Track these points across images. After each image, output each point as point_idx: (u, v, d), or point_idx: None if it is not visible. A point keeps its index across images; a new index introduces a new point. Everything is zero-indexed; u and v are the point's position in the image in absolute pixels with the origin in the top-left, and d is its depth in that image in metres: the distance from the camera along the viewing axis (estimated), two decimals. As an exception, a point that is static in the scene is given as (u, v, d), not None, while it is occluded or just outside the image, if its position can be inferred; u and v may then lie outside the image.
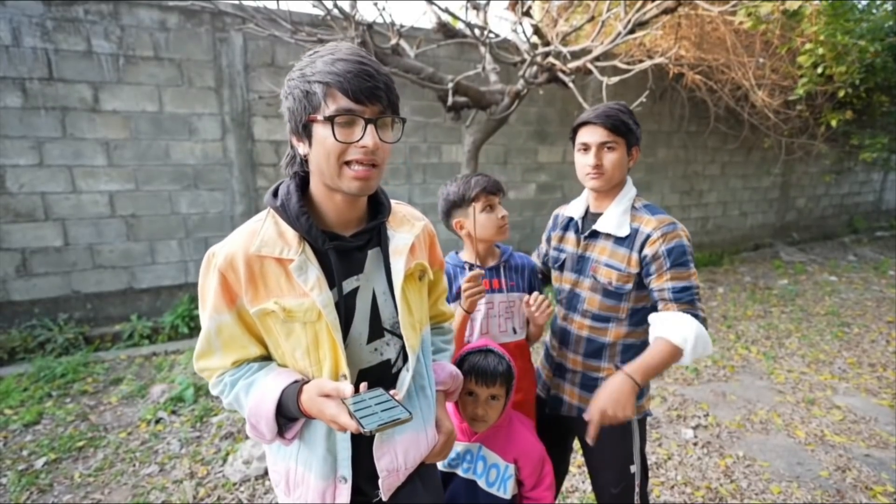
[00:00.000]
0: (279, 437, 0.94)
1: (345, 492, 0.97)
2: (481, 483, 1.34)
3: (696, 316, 1.29)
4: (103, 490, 2.32)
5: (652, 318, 1.34)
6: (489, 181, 1.47)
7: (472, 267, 1.55)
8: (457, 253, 1.61)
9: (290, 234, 0.90)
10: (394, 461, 0.98)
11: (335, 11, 3.26)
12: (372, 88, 0.81)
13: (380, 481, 0.98)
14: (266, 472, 2.36)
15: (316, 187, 0.93)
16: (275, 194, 0.94)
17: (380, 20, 3.39)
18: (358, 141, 0.82)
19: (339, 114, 0.81)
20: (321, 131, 0.83)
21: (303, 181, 0.95)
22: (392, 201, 1.04)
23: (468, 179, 1.48)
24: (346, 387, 0.81)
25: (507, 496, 1.34)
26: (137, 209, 3.95)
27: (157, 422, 2.85)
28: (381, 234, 0.99)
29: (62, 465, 2.48)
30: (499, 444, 1.37)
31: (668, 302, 1.32)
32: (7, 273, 3.65)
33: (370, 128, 0.83)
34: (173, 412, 2.95)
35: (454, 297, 1.56)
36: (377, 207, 1.00)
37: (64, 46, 3.56)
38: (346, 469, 0.96)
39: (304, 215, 0.89)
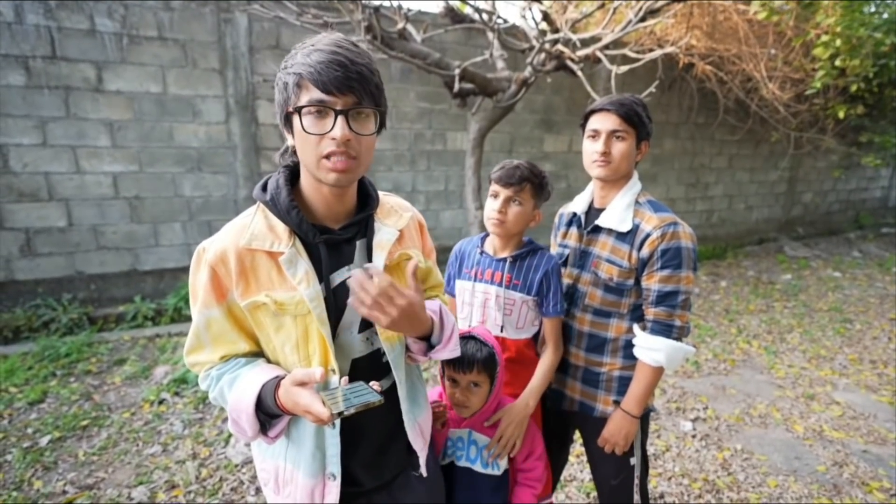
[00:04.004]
0: (262, 434, 0.93)
1: (334, 489, 0.97)
2: (476, 467, 1.35)
3: (669, 328, 1.32)
4: (107, 469, 2.35)
5: (635, 336, 1.39)
6: (505, 171, 1.40)
7: (482, 252, 1.49)
8: (486, 236, 1.54)
9: (281, 227, 0.91)
10: (423, 439, 1.09)
11: (342, -7, 3.21)
12: (342, 79, 0.80)
13: (420, 460, 1.09)
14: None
15: (305, 179, 0.94)
16: (263, 188, 0.94)
17: (386, 4, 3.34)
18: (328, 132, 0.82)
19: (309, 105, 0.81)
20: (297, 122, 0.84)
21: (292, 174, 0.96)
22: (380, 193, 1.05)
23: (504, 163, 1.42)
24: (317, 370, 0.80)
25: (500, 472, 1.35)
26: (141, 191, 3.94)
27: (161, 403, 2.88)
28: (368, 226, 0.99)
29: (66, 443, 2.51)
30: (487, 426, 1.37)
31: (649, 305, 1.36)
32: (11, 252, 3.66)
33: (340, 119, 0.82)
34: (176, 393, 2.97)
35: (456, 274, 1.53)
36: (365, 199, 1.01)
37: (67, 24, 3.52)
38: (335, 466, 0.96)
39: (294, 209, 0.90)
